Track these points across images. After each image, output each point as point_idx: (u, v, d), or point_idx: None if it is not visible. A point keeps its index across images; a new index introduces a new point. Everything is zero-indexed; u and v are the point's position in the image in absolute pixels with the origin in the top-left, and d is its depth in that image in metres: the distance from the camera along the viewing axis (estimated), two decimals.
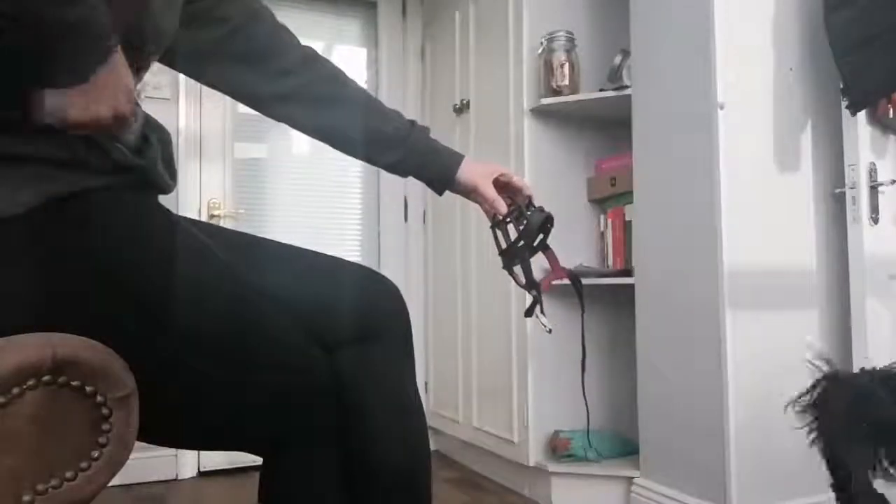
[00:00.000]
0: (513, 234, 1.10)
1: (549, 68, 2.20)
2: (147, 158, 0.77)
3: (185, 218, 0.88)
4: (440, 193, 1.12)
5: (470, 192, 1.10)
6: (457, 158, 1.09)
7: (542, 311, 1.10)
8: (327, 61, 1.07)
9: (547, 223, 1.10)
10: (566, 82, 2.18)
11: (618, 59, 2.12)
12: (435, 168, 1.09)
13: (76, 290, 0.67)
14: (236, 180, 2.80)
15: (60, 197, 0.66)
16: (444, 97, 2.87)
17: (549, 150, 2.29)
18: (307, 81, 1.03)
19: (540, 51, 2.23)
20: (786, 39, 1.80)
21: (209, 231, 0.90)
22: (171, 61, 0.98)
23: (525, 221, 1.07)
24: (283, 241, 0.99)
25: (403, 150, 1.06)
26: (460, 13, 2.73)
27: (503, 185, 1.11)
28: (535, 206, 1.10)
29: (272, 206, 2.85)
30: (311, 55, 1.05)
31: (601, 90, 2.16)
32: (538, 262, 1.10)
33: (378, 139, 1.05)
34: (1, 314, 0.63)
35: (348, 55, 3.08)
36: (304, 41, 1.06)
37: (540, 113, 2.27)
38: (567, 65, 2.18)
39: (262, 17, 1.03)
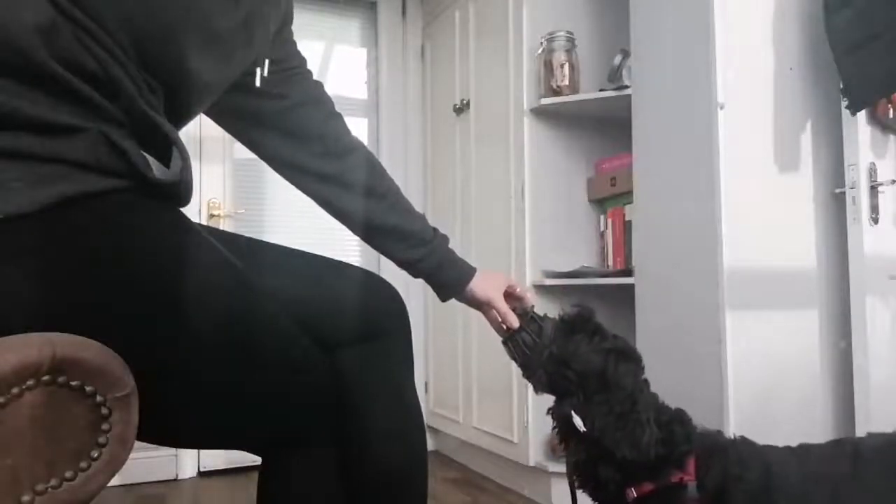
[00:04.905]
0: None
1: (549, 68, 2.20)
2: (171, 169, 0.76)
3: (189, 219, 0.88)
4: (444, 300, 1.16)
5: (481, 305, 1.14)
6: (470, 271, 1.14)
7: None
8: (369, 152, 1.10)
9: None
10: (566, 82, 2.18)
11: (618, 59, 2.12)
12: (449, 276, 1.13)
13: (83, 289, 0.67)
14: (236, 180, 2.80)
15: (75, 198, 0.66)
16: (444, 97, 2.87)
17: (549, 150, 2.29)
18: (347, 168, 1.06)
19: (540, 51, 2.23)
20: (786, 39, 1.80)
21: (209, 232, 0.90)
22: (215, 116, 1.03)
23: (540, 328, 1.09)
24: (283, 241, 1.00)
25: (424, 252, 1.09)
26: (460, 13, 2.73)
27: (507, 295, 1.15)
28: (539, 315, 1.13)
29: (272, 207, 2.85)
30: (356, 144, 1.09)
31: (601, 90, 2.16)
32: None
33: (402, 235, 1.09)
34: (10, 311, 0.63)
35: (348, 55, 3.08)
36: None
37: (540, 113, 2.27)
38: (567, 65, 2.18)
39: (322, 103, 1.06)
